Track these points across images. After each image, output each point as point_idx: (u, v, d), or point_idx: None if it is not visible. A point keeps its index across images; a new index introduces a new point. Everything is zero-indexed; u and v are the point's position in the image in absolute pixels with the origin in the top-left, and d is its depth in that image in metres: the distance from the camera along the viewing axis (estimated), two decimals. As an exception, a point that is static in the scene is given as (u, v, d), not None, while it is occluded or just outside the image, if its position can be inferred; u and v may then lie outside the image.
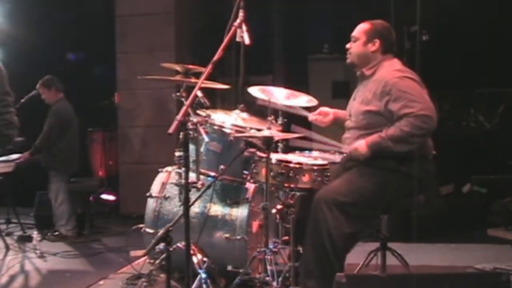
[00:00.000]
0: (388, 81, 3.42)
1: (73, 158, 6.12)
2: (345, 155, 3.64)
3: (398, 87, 3.37)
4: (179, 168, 3.62)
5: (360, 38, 3.59)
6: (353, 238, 3.39)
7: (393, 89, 3.37)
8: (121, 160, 7.30)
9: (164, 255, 3.20)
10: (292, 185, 3.54)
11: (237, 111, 3.98)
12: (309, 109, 3.93)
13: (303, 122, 3.86)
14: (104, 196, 6.92)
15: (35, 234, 5.36)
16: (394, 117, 3.37)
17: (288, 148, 4.04)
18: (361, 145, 3.42)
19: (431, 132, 3.37)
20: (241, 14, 3.43)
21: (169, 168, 4.34)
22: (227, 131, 3.82)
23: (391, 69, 3.50)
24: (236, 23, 3.41)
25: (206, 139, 3.69)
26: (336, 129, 3.84)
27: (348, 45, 3.65)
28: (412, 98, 3.32)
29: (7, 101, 5.27)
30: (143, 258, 4.34)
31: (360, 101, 3.57)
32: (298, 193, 3.61)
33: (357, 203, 3.36)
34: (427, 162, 3.50)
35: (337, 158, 3.76)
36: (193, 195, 3.46)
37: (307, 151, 3.91)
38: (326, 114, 3.85)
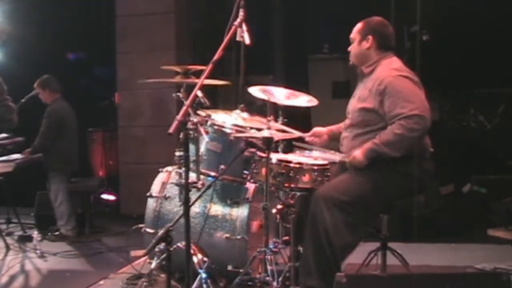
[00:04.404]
0: (383, 79, 3.42)
1: (73, 158, 6.11)
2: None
3: (393, 86, 3.38)
4: (179, 168, 3.62)
5: (355, 38, 3.64)
6: (351, 236, 3.38)
7: (388, 88, 3.38)
8: (121, 160, 7.30)
9: (164, 255, 3.20)
10: (292, 185, 3.55)
11: (237, 111, 3.98)
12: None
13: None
14: (104, 196, 6.92)
15: (35, 234, 5.35)
16: (386, 117, 3.38)
17: (288, 148, 4.04)
18: (358, 154, 3.42)
19: (425, 131, 3.37)
20: (241, 13, 3.43)
21: (169, 168, 4.34)
22: (228, 131, 3.82)
23: (389, 68, 3.50)
24: (236, 23, 3.41)
25: (206, 139, 3.69)
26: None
27: (349, 48, 3.68)
28: (406, 98, 3.33)
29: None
30: (143, 258, 4.34)
31: (357, 98, 3.60)
32: (298, 193, 3.62)
33: (355, 202, 3.37)
34: (425, 161, 3.50)
35: (337, 158, 3.76)
36: (193, 195, 3.46)
37: (307, 151, 3.91)
38: (320, 134, 3.87)
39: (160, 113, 6.96)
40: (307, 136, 3.89)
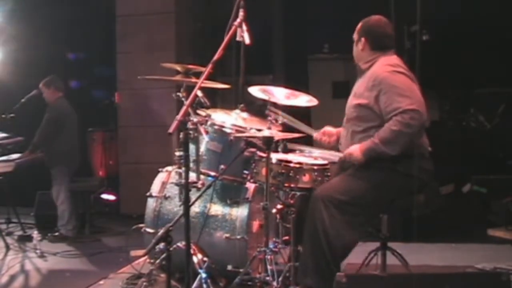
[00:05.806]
0: (378, 75, 3.43)
1: (74, 156, 6.12)
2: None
3: (388, 81, 3.38)
4: (179, 168, 3.62)
5: (355, 38, 3.65)
6: (350, 236, 3.38)
7: (383, 84, 3.38)
8: (121, 160, 7.30)
9: (164, 255, 3.20)
10: (292, 185, 3.55)
11: (237, 111, 3.98)
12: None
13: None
14: (104, 196, 6.93)
15: (35, 233, 5.36)
16: (383, 112, 3.38)
17: (288, 148, 4.04)
18: (356, 150, 3.41)
19: (422, 126, 3.37)
20: (241, 13, 3.43)
21: (169, 168, 4.34)
22: (228, 131, 3.82)
23: (384, 64, 3.50)
24: (236, 23, 3.41)
25: (206, 139, 3.69)
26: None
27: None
28: (401, 93, 3.32)
29: None
30: (143, 258, 4.34)
31: (354, 94, 3.60)
32: (298, 193, 3.62)
33: (353, 202, 3.37)
34: (424, 161, 3.49)
35: (337, 158, 3.76)
36: (193, 195, 3.47)
37: (307, 151, 3.91)
38: (331, 134, 3.83)
39: (160, 113, 6.96)
40: (317, 133, 3.87)
